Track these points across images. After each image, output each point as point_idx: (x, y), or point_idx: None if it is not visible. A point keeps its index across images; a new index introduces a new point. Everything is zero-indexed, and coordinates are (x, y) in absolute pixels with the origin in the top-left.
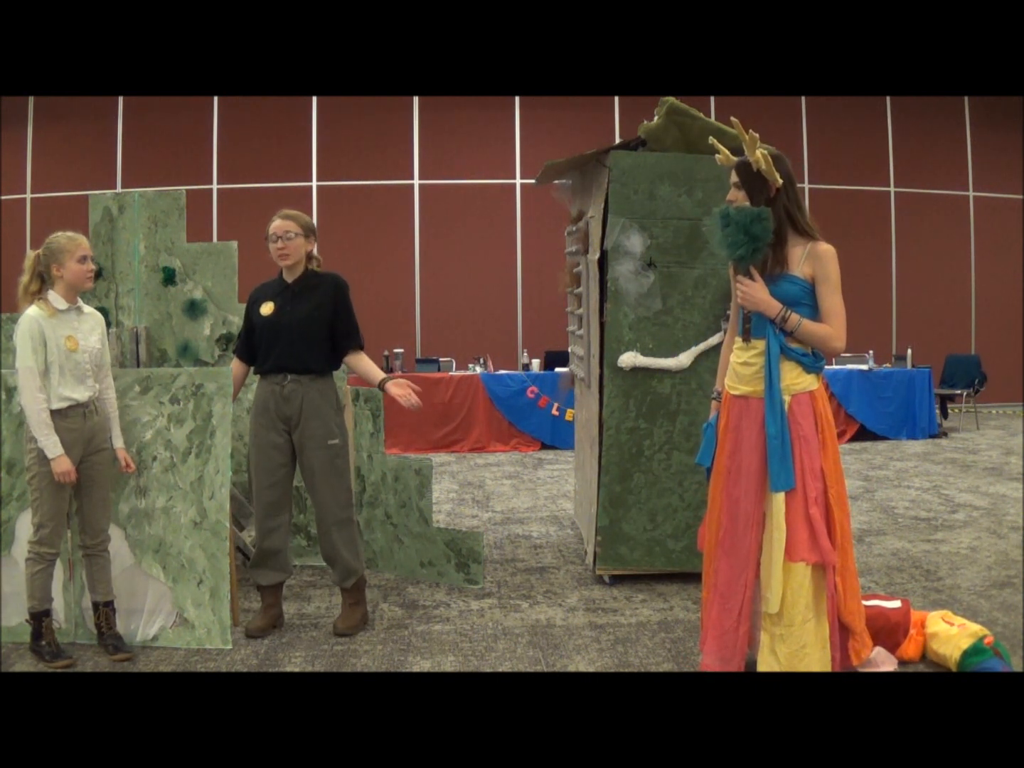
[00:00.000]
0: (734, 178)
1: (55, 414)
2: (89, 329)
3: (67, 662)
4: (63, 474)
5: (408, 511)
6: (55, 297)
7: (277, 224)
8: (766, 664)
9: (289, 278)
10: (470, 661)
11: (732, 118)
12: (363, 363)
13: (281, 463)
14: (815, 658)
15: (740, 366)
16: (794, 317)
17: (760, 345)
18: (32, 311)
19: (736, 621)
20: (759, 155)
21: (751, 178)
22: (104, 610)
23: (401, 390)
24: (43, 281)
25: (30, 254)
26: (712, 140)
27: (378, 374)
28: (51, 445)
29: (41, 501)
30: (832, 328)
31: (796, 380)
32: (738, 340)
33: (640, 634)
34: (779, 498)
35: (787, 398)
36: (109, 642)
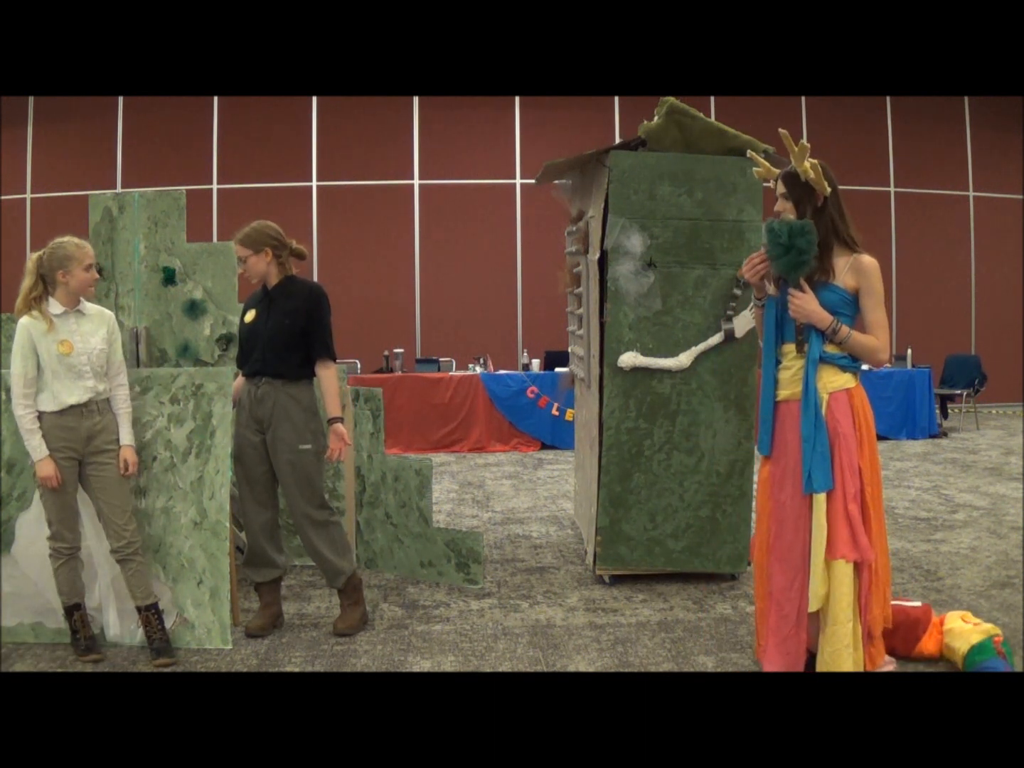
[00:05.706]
0: (781, 188)
1: (51, 415)
2: (91, 330)
3: (96, 656)
4: (45, 479)
5: (408, 511)
6: (53, 303)
7: (235, 248)
8: (820, 664)
9: (268, 286)
10: (470, 661)
11: (781, 130)
12: (327, 381)
13: (258, 461)
14: (851, 658)
15: (778, 370)
16: (844, 329)
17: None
18: (25, 320)
19: (795, 627)
20: (807, 165)
21: (799, 188)
22: (146, 614)
23: (335, 443)
24: (45, 284)
25: (32, 256)
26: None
27: (333, 408)
28: (34, 447)
29: (46, 499)
30: (878, 340)
31: (833, 378)
32: (782, 350)
33: (640, 634)
34: (820, 497)
35: (824, 396)
36: (155, 646)
